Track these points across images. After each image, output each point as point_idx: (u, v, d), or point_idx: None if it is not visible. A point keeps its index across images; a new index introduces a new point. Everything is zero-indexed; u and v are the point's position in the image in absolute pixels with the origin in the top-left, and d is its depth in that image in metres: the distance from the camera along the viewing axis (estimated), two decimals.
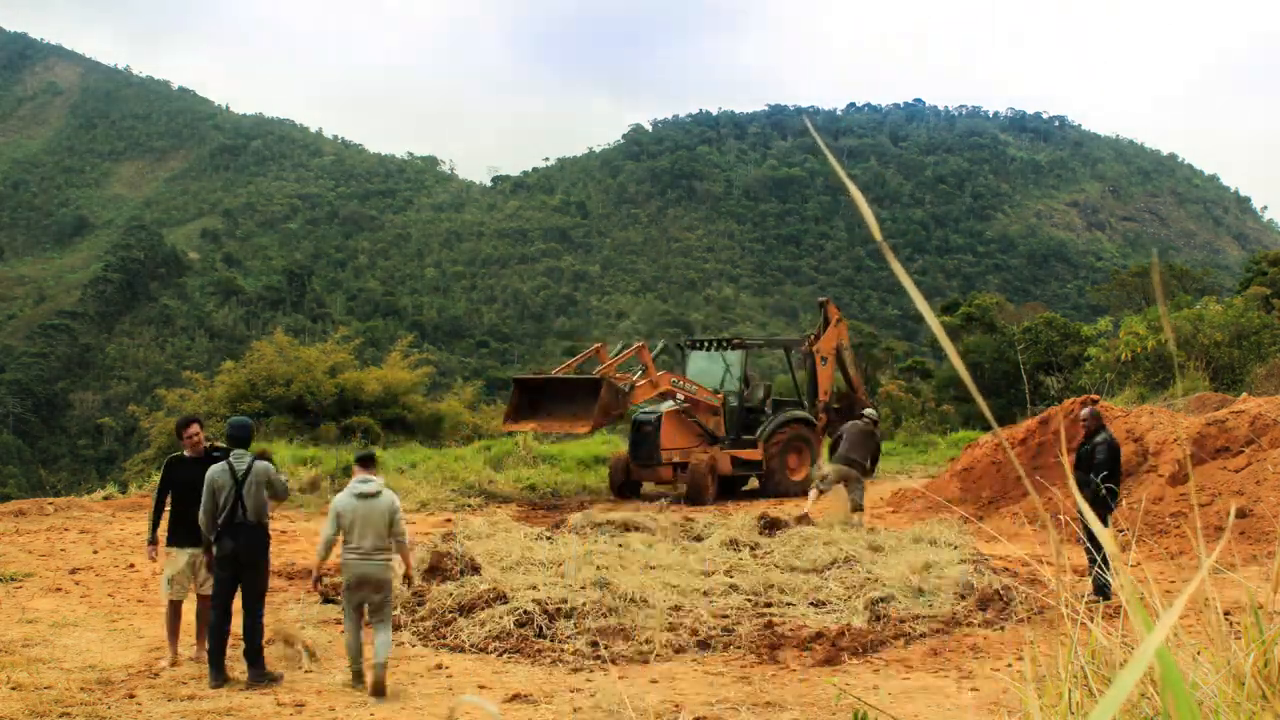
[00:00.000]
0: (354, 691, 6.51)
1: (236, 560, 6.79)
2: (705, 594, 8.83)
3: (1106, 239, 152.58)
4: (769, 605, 8.66)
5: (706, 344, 18.34)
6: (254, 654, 6.76)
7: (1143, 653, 0.74)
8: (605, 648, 7.35)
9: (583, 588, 8.44)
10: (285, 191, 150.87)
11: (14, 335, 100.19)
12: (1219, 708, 1.74)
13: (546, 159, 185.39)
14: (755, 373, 19.24)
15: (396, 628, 8.08)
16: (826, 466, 13.33)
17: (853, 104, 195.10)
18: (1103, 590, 8.08)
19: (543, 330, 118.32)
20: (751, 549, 10.72)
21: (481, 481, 17.13)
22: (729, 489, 17.18)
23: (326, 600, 9.12)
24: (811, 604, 8.67)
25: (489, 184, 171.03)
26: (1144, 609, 0.90)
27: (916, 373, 38.57)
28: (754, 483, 17.60)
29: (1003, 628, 7.88)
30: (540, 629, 7.71)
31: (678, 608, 8.26)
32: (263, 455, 7.38)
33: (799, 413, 17.57)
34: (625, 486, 16.83)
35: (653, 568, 9.57)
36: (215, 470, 6.88)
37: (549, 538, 10.79)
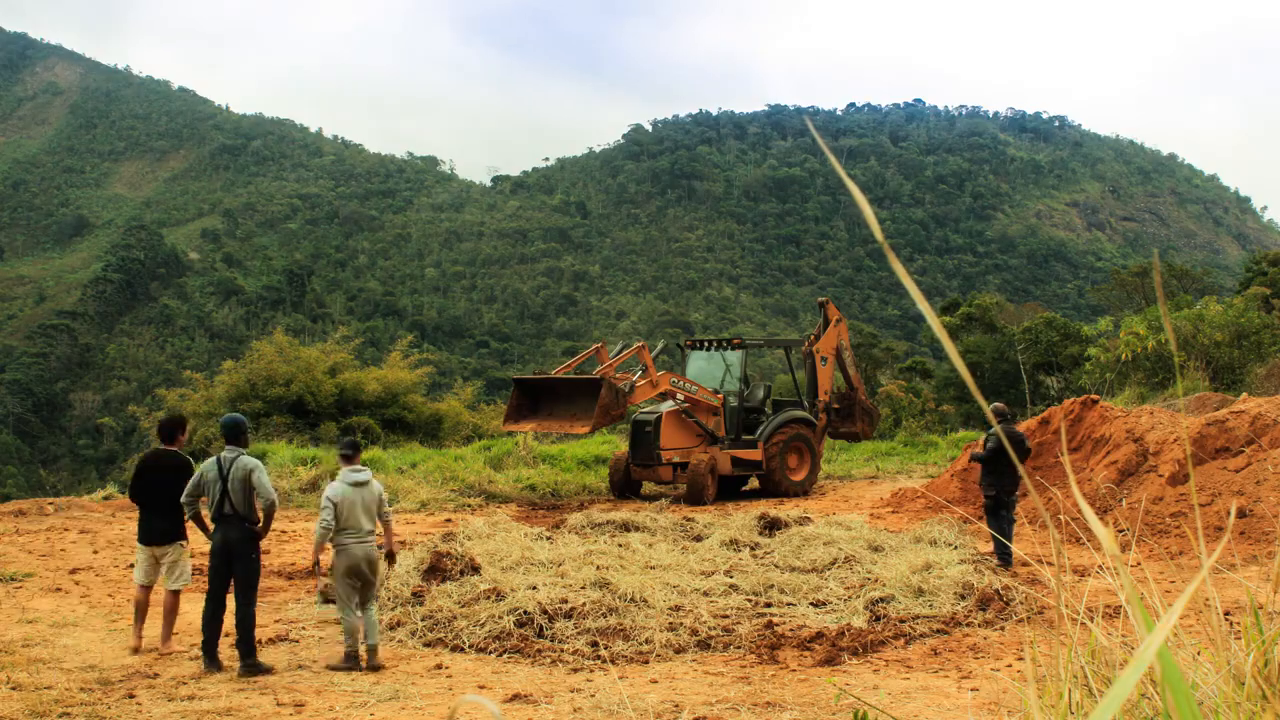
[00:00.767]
0: (354, 694, 6.51)
1: (227, 551, 7.04)
2: (705, 594, 8.83)
3: (1106, 239, 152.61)
4: (769, 605, 8.66)
5: (706, 344, 18.31)
6: (246, 646, 6.90)
7: (1144, 653, 0.74)
8: (605, 648, 7.35)
9: (583, 588, 8.44)
10: (285, 191, 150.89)
11: (14, 335, 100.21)
12: (1219, 707, 1.74)
13: (546, 159, 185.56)
14: (755, 373, 19.20)
15: (396, 626, 8.08)
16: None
17: (853, 104, 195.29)
18: (1005, 558, 9.84)
19: (543, 330, 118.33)
20: (751, 549, 10.72)
21: (481, 481, 17.13)
22: (729, 489, 17.16)
23: (327, 600, 9.13)
24: (811, 604, 8.67)
25: (489, 184, 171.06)
26: (1145, 609, 0.90)
27: (916, 373, 38.56)
28: (754, 483, 17.59)
29: (1003, 628, 7.88)
30: (540, 629, 7.71)
31: (678, 608, 8.26)
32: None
33: (799, 413, 17.54)
34: (625, 486, 16.78)
35: (653, 568, 9.57)
36: (206, 464, 7.26)
37: (549, 538, 10.78)
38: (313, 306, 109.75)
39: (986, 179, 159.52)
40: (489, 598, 8.22)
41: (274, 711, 6.13)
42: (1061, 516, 10.64)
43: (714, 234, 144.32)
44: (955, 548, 10.21)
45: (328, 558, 7.30)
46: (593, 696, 6.31)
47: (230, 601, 7.06)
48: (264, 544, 11.91)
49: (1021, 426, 15.31)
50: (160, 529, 7.61)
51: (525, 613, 7.86)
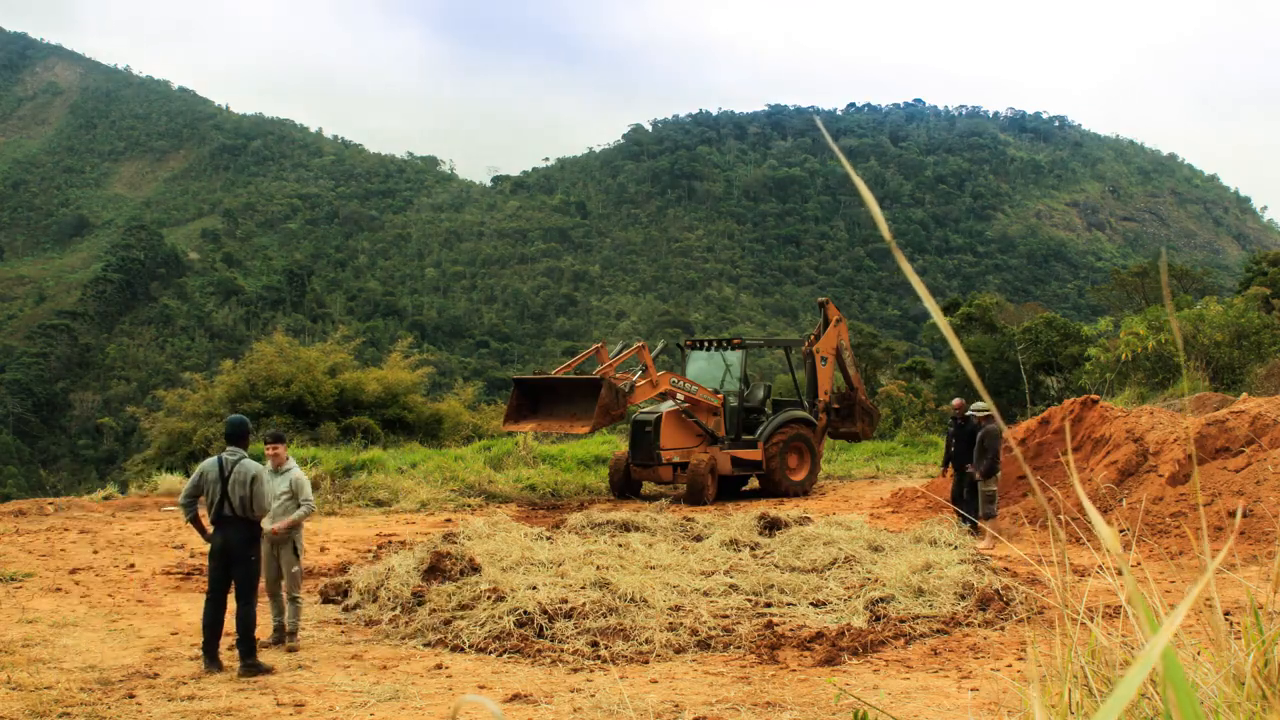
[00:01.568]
0: (354, 694, 6.52)
1: (226, 553, 7.00)
2: (705, 594, 8.83)
3: (1106, 239, 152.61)
4: (769, 605, 8.66)
5: (706, 344, 18.24)
6: (246, 646, 6.89)
7: (1149, 654, 0.74)
8: (605, 648, 7.35)
9: (582, 588, 8.44)
10: (285, 191, 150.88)
11: (14, 335, 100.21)
12: (1219, 707, 1.74)
13: (546, 159, 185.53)
14: (755, 373, 19.14)
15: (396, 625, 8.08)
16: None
17: (853, 104, 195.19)
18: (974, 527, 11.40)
19: (543, 330, 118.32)
20: (751, 549, 10.71)
21: (481, 481, 17.13)
22: (729, 489, 17.14)
23: (326, 600, 9.13)
24: (811, 604, 8.67)
25: (489, 184, 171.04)
26: (1149, 611, 0.90)
27: (916, 373, 38.55)
28: (754, 483, 17.58)
29: (1003, 628, 7.88)
30: (540, 629, 7.71)
31: (678, 608, 8.26)
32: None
33: (799, 413, 17.52)
34: (625, 486, 16.72)
35: (653, 568, 9.57)
36: (206, 463, 7.19)
37: (549, 538, 10.78)
38: (313, 306, 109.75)
39: (986, 179, 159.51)
40: (489, 598, 8.22)
41: (274, 711, 6.13)
42: (1062, 516, 10.64)
43: (714, 234, 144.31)
44: (955, 548, 10.21)
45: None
46: (593, 696, 6.31)
47: (230, 602, 7.04)
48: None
49: (1021, 427, 15.30)
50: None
51: (525, 613, 7.86)
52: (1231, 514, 10.78)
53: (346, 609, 8.81)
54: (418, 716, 6.03)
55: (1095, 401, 14.72)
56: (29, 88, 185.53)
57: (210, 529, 7.11)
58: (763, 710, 6.05)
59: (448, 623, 7.97)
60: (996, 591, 8.51)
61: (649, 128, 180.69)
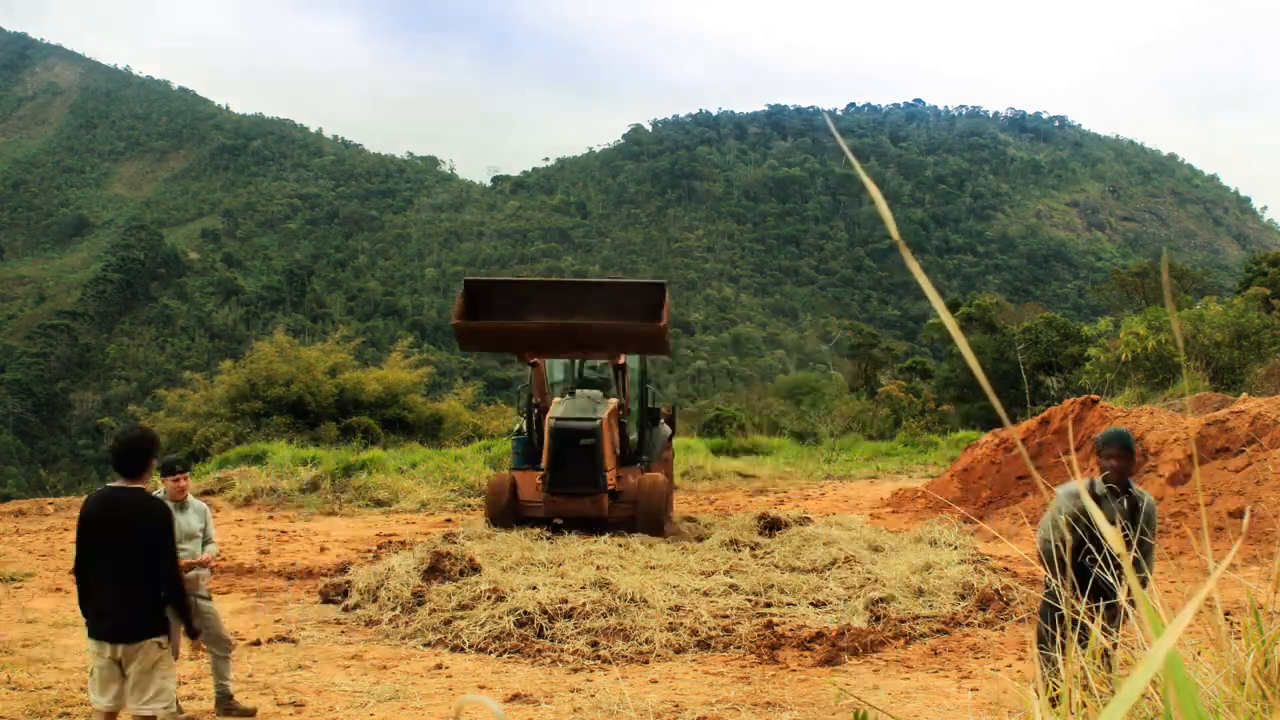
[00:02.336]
0: (354, 694, 6.51)
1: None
2: (705, 594, 8.83)
3: (1106, 239, 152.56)
4: (769, 605, 8.65)
5: None
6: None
7: (1153, 656, 0.74)
8: (605, 648, 7.35)
9: (582, 588, 8.44)
10: (285, 191, 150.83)
11: (14, 335, 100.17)
12: (1219, 707, 1.74)
13: (546, 159, 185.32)
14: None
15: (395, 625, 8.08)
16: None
17: (853, 104, 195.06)
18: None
19: None
20: (751, 549, 10.71)
21: (481, 481, 17.11)
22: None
23: (326, 600, 9.13)
24: (811, 604, 8.67)
25: (489, 184, 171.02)
26: (1155, 613, 0.90)
27: (916, 373, 38.56)
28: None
29: (1003, 628, 7.88)
30: (540, 629, 7.71)
31: (678, 608, 8.26)
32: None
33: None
34: (512, 517, 11.71)
35: (653, 568, 9.57)
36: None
37: (549, 538, 10.77)
38: (313, 306, 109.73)
39: (986, 179, 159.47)
40: (489, 598, 8.22)
41: (274, 711, 6.13)
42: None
43: (714, 234, 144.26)
44: (955, 548, 10.21)
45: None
46: (593, 696, 6.31)
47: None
48: (264, 544, 11.94)
49: (1021, 427, 15.23)
50: (120, 616, 4.75)
51: (525, 613, 7.86)
52: (1233, 514, 10.78)
53: (346, 609, 8.80)
54: (418, 716, 6.03)
55: (1095, 402, 14.72)
56: (29, 88, 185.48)
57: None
58: (763, 710, 6.05)
59: (448, 623, 7.97)
60: (996, 591, 8.51)
61: (649, 128, 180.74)
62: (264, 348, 24.09)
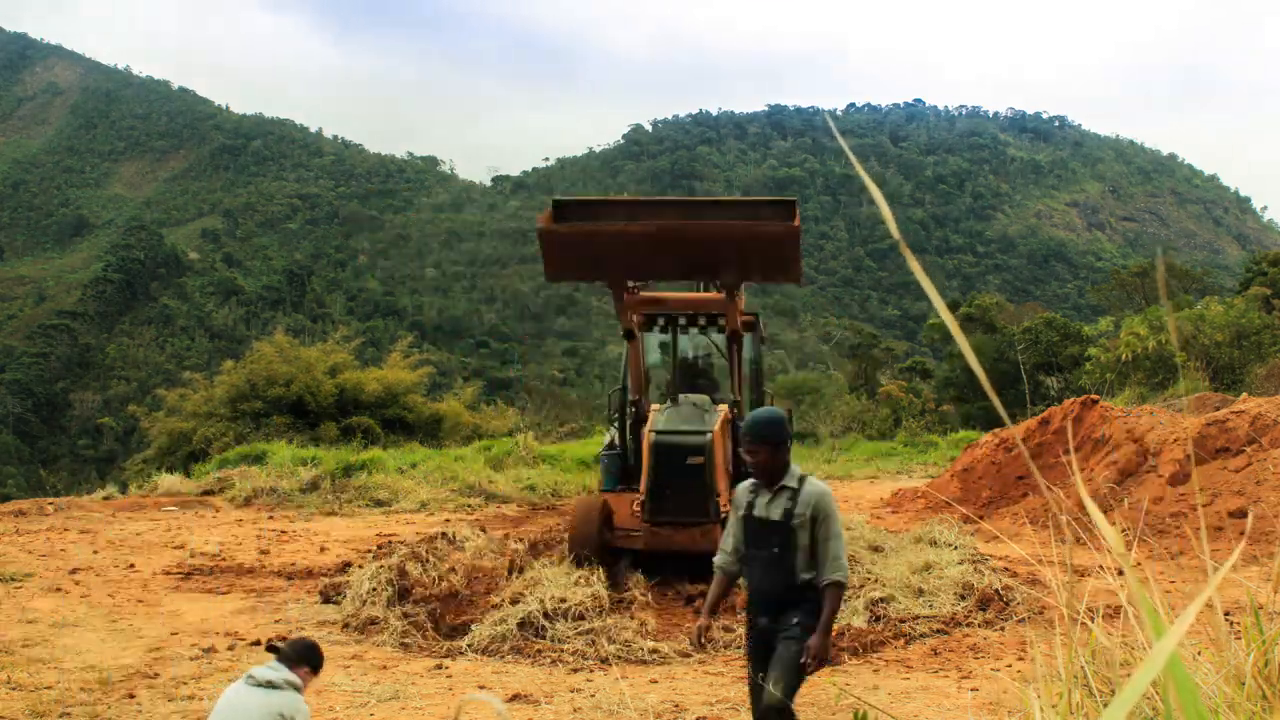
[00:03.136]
0: (354, 694, 6.51)
1: None
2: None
3: (1106, 239, 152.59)
4: None
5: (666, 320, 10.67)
6: None
7: (1156, 658, 0.74)
8: (605, 647, 7.35)
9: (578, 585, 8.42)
10: (285, 191, 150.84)
11: (14, 335, 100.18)
12: (1219, 708, 1.74)
13: (546, 159, 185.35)
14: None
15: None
16: None
17: (853, 104, 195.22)
18: None
19: (543, 330, 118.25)
20: None
21: (481, 481, 17.12)
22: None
23: (326, 600, 9.12)
24: None
25: (489, 184, 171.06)
26: (1153, 612, 0.90)
27: (916, 373, 38.58)
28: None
29: (1003, 628, 7.88)
30: (540, 629, 7.70)
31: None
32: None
33: None
34: (601, 550, 9.22)
35: None
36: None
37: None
38: (313, 306, 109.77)
39: (986, 179, 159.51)
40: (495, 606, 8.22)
41: None
42: (1063, 516, 10.65)
43: None
44: (955, 548, 10.20)
45: None
46: (593, 696, 6.31)
47: None
48: (264, 544, 11.95)
49: (1021, 427, 15.26)
50: None
51: (525, 613, 7.86)
52: (1232, 514, 10.78)
53: (345, 626, 8.72)
54: (418, 716, 6.04)
55: (1095, 402, 14.73)
56: (29, 88, 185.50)
57: None
58: None
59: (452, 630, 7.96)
60: (996, 591, 8.51)
61: (649, 128, 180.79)
62: (264, 348, 24.10)
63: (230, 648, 7.06)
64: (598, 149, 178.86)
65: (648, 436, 9.56)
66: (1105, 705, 1.95)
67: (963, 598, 8.53)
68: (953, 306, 41.40)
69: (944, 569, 9.17)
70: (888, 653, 7.31)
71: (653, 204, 9.14)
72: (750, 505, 4.63)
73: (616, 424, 10.57)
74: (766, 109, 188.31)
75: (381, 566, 8.79)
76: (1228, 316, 22.77)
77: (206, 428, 21.86)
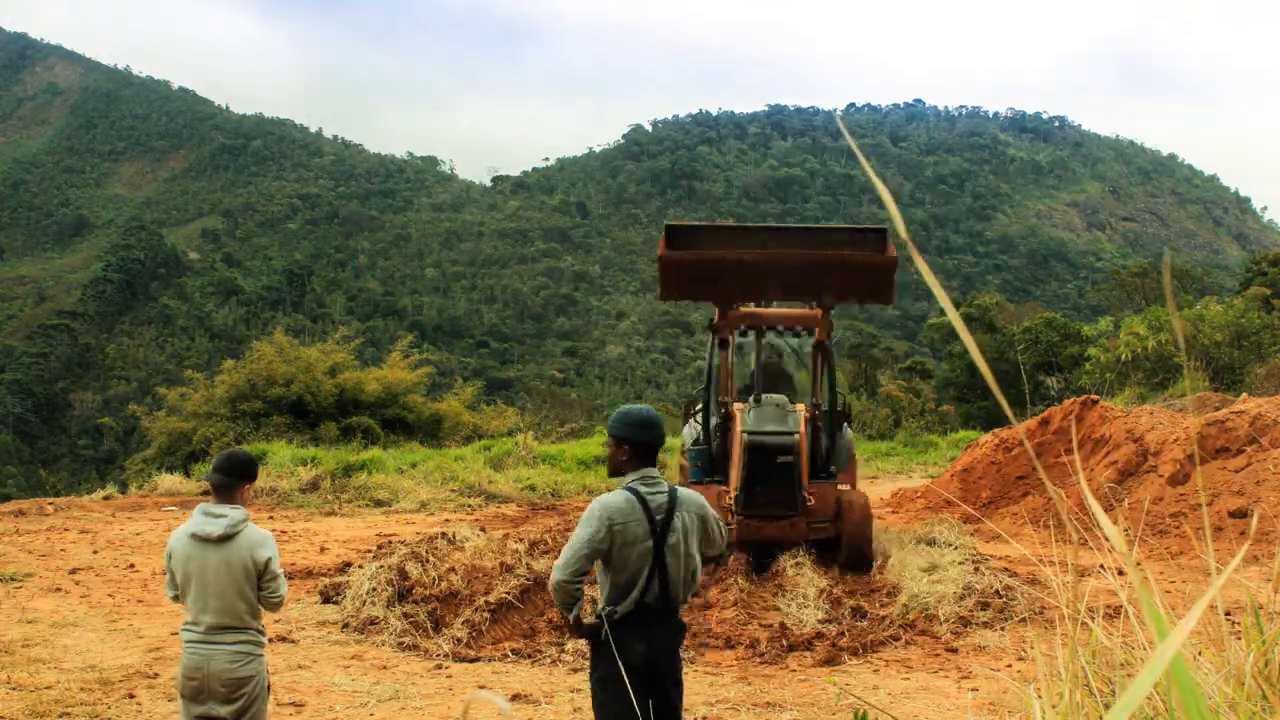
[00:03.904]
0: (354, 694, 6.51)
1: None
2: None
3: (1106, 239, 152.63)
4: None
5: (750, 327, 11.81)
6: None
7: (1158, 659, 0.74)
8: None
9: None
10: (285, 191, 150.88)
11: (14, 335, 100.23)
12: (1220, 708, 1.74)
13: (546, 159, 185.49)
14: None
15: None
16: None
17: (853, 104, 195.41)
18: None
19: (543, 330, 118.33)
20: None
21: (481, 481, 17.12)
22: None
23: (327, 600, 9.12)
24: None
25: (489, 184, 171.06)
26: (1155, 612, 0.90)
27: (916, 373, 38.58)
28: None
29: (1003, 628, 7.88)
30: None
31: None
32: None
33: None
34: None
35: None
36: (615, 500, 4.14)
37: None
38: (313, 306, 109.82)
39: (986, 179, 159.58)
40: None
41: (274, 711, 6.12)
42: (1065, 516, 10.65)
43: None
44: (955, 548, 10.20)
45: None
46: None
47: None
48: None
49: (1021, 427, 15.25)
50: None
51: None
52: (1233, 514, 10.78)
53: (345, 626, 8.72)
54: (418, 716, 6.03)
55: (1095, 402, 14.74)
56: (29, 88, 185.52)
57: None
58: (763, 710, 6.05)
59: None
60: (996, 591, 8.51)
61: (649, 128, 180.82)
62: (264, 348, 24.09)
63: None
64: (598, 149, 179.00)
65: (740, 437, 10.21)
66: (1106, 705, 1.95)
67: (963, 598, 8.54)
68: (953, 306, 41.40)
69: (944, 569, 9.18)
70: (888, 653, 7.31)
71: (756, 230, 10.39)
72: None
73: (700, 421, 11.34)
74: (766, 109, 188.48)
75: (381, 566, 8.79)
76: (1227, 316, 22.78)
77: (207, 427, 21.86)
